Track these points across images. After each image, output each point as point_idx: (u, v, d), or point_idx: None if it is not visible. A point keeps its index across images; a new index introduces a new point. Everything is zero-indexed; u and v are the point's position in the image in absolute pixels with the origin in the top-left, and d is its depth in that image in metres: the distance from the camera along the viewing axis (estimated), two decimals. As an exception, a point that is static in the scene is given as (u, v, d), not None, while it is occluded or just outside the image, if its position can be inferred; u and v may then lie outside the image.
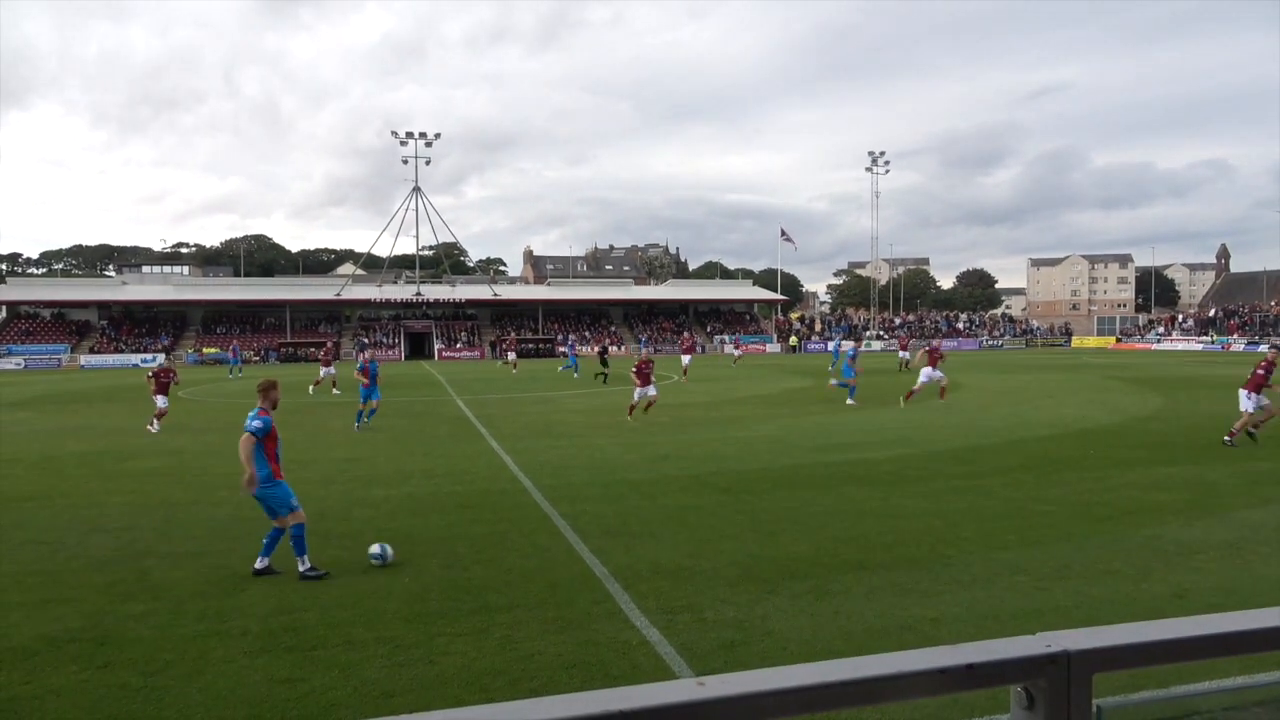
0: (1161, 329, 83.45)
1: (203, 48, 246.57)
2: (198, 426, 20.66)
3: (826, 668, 1.18)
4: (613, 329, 75.69)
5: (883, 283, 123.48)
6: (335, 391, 30.14)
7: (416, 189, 72.04)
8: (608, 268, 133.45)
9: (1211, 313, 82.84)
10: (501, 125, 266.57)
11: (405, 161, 71.02)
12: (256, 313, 69.96)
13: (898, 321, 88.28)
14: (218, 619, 6.82)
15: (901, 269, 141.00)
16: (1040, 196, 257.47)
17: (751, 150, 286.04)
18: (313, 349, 63.24)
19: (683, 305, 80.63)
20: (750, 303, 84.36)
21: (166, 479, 13.32)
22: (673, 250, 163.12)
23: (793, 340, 74.05)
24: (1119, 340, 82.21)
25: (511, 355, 44.07)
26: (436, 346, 65.94)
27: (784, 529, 9.49)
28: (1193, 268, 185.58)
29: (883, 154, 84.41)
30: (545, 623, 6.59)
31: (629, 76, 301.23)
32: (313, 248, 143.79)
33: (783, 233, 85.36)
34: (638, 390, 20.59)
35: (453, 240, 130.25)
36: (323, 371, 30.68)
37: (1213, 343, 71.73)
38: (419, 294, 69.77)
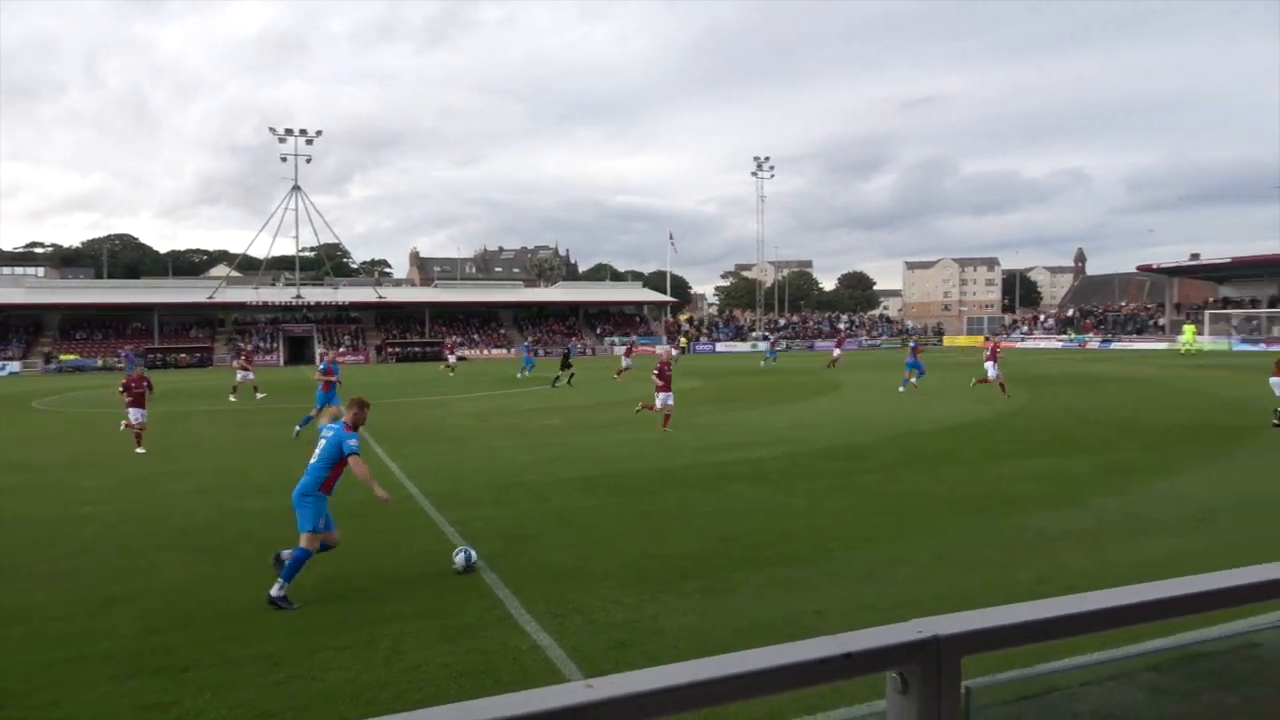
0: (1025, 328, 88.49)
1: (63, 35, 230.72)
2: (55, 436, 19.32)
3: (711, 664, 1.20)
4: (502, 331, 74.93)
5: (768, 284, 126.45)
6: (259, 395, 29.26)
7: (296, 188, 69.37)
8: (497, 270, 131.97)
9: (1070, 313, 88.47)
10: (388, 123, 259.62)
11: (284, 159, 68.26)
12: (121, 317, 65.84)
13: (782, 322, 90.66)
14: (81, 643, 6.39)
15: (786, 271, 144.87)
16: (916, 202, 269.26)
17: (643, 153, 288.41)
18: (183, 354, 60.24)
19: (573, 307, 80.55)
20: (640, 304, 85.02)
21: (26, 495, 12.40)
22: (563, 252, 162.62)
23: (682, 341, 75.02)
24: (987, 339, 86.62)
25: (451, 358, 43.32)
26: (319, 350, 63.68)
27: (674, 529, 9.60)
28: (1053, 270, 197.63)
29: (767, 159, 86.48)
30: (433, 632, 6.45)
31: (522, 77, 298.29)
32: (183, 248, 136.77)
33: (670, 238, 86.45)
34: (659, 396, 19.20)
35: (335, 241, 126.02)
36: (240, 375, 29.54)
37: (1071, 340, 76.62)
38: (299, 296, 67.20)
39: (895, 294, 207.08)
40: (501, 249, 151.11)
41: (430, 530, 9.75)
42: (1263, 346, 61.49)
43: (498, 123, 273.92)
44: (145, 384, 17.79)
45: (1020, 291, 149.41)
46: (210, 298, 66.53)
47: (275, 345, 64.66)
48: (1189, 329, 62.20)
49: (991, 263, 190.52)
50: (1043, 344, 78.65)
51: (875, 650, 1.28)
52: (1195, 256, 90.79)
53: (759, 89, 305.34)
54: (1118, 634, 1.52)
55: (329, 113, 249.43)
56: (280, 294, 68.78)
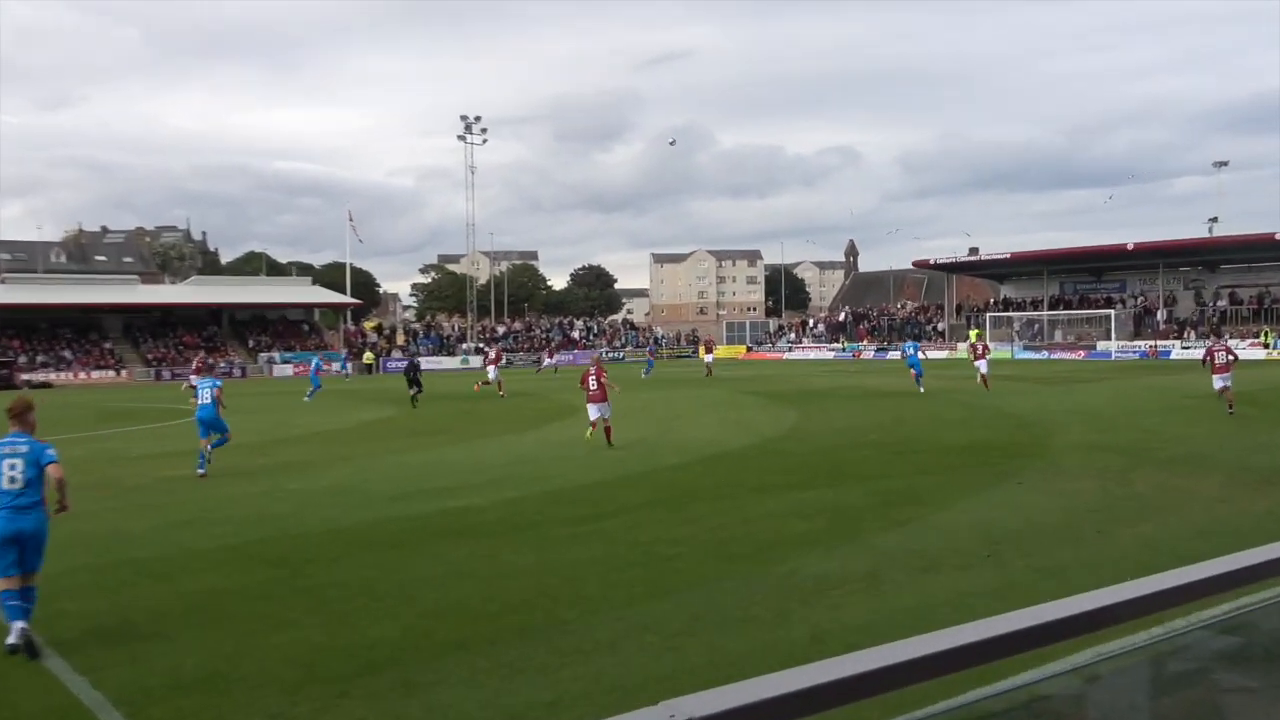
0: (792, 335, 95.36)
1: None
2: None
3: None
4: (108, 346, 69.13)
5: (482, 282, 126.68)
6: None
7: None
8: (100, 259, 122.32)
9: (841, 316, 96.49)
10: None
11: None
12: None
13: (500, 331, 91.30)
14: None
15: (506, 265, 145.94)
16: (665, 180, 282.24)
17: (313, 104, 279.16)
18: None
19: (213, 312, 76.10)
20: (310, 308, 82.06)
21: None
22: (198, 236, 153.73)
23: (368, 357, 73.30)
24: (750, 349, 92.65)
25: (492, 372, 42.54)
26: None
27: (360, 607, 9.30)
28: (822, 266, 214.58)
29: (479, 120, 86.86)
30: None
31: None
32: None
33: (350, 218, 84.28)
34: (592, 409, 21.47)
35: None
36: None
37: (843, 350, 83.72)
38: None
39: (641, 293, 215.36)
40: (107, 230, 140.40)
41: (-6, 634, 8.73)
42: (1045, 355, 70.66)
43: (100, 51, 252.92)
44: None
45: (786, 291, 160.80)
46: None
47: None
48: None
49: (753, 256, 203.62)
50: (813, 354, 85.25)
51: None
52: (975, 251, 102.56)
53: (469, 27, 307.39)
54: (900, 695, 1.62)
55: None
56: None
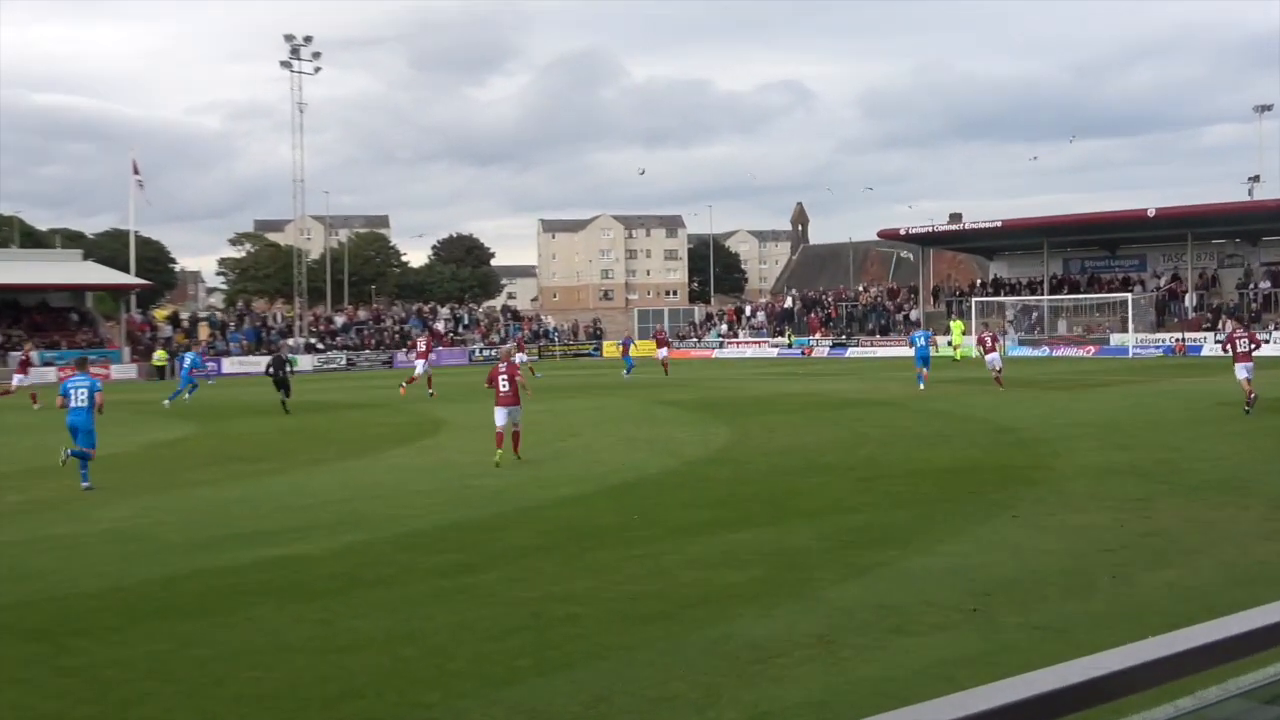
0: (724, 327, 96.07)
1: None
2: None
3: None
4: None
5: (315, 256, 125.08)
6: None
7: None
8: None
9: (788, 302, 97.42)
10: None
11: None
12: None
13: (339, 322, 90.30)
14: None
15: (348, 234, 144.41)
16: (558, 124, 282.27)
17: (84, 17, 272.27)
18: None
19: (-56, 297, 73.78)
20: (80, 291, 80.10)
21: None
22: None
23: (159, 356, 71.81)
24: (669, 345, 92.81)
25: (420, 367, 45.94)
26: None
27: (149, 693, 9.12)
28: (763, 237, 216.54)
29: (308, 40, 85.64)
30: None
31: None
32: None
33: (135, 170, 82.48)
34: (500, 414, 22.72)
35: None
36: None
37: (790, 346, 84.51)
38: None
39: (528, 272, 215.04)
40: None
41: None
42: (1047, 351, 72.22)
43: None
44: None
45: (716, 270, 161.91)
46: None
47: None
48: (957, 325, 71.17)
49: (673, 224, 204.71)
50: (751, 351, 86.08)
51: None
52: (956, 218, 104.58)
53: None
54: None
55: None
56: None
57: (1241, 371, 28.14)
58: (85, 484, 20.64)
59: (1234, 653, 2.11)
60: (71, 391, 21.05)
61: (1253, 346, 28.30)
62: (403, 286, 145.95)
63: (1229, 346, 29.24)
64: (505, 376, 23.08)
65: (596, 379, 56.65)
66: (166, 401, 42.08)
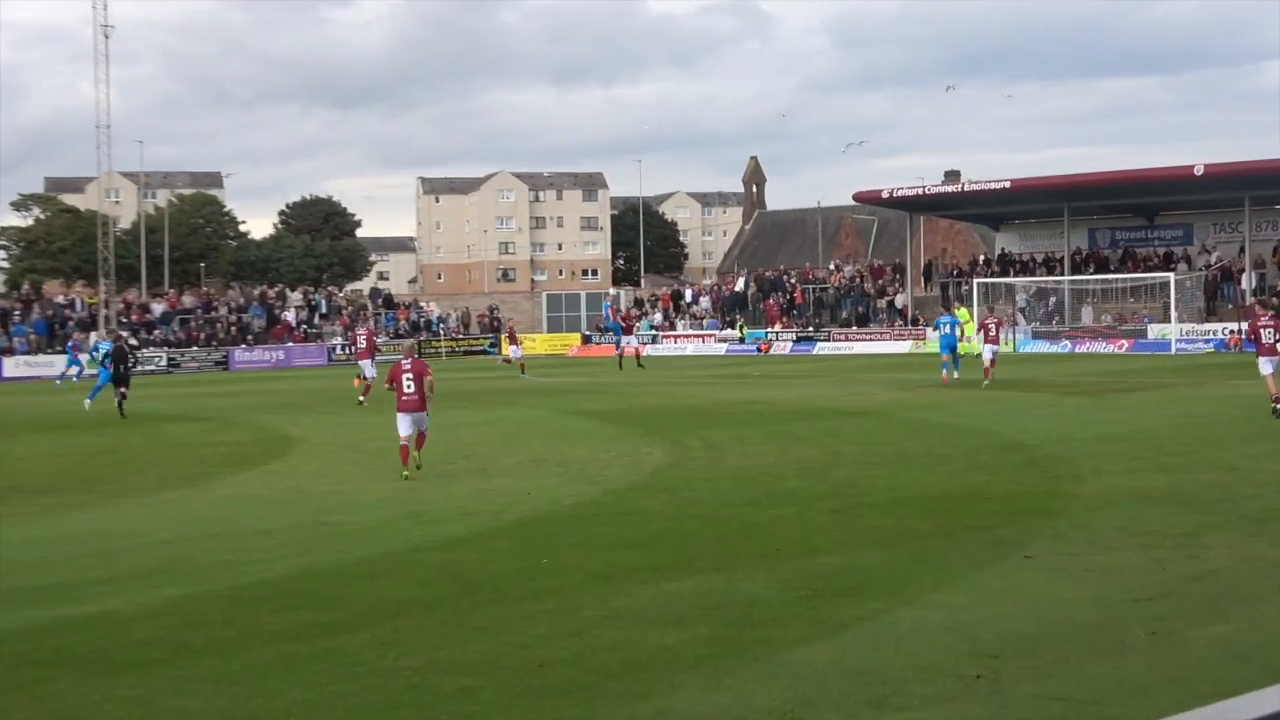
0: (659, 316, 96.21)
1: None
2: None
3: None
4: None
5: (125, 225, 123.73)
6: None
7: None
8: None
9: (740, 284, 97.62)
10: None
11: None
12: None
13: (158, 311, 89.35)
14: None
15: (169, 197, 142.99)
16: (441, 56, 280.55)
17: None
18: None
19: None
20: None
21: None
22: None
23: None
24: (586, 341, 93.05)
25: (369, 369, 47.54)
26: None
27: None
28: (707, 201, 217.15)
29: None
30: None
31: None
32: None
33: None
34: (403, 421, 24.44)
35: None
36: None
37: (742, 341, 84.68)
38: None
39: (404, 245, 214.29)
40: None
41: None
42: (1067, 347, 72.81)
43: None
44: None
45: (648, 243, 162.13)
46: None
47: None
48: (962, 313, 70.91)
49: (593, 185, 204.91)
50: (692, 347, 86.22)
51: None
52: (953, 177, 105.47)
53: None
54: None
55: None
56: None
57: (1267, 366, 30.00)
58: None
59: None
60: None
61: (1278, 338, 29.97)
62: (241, 264, 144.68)
63: (1253, 335, 31.30)
64: (410, 376, 24.22)
65: (495, 384, 56.38)
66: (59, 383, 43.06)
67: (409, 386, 24.14)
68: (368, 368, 46.81)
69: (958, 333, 46.79)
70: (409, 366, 24.64)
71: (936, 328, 51.65)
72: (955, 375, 45.29)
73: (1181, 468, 23.14)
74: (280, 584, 15.60)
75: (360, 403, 44.52)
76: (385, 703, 10.69)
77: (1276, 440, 27.02)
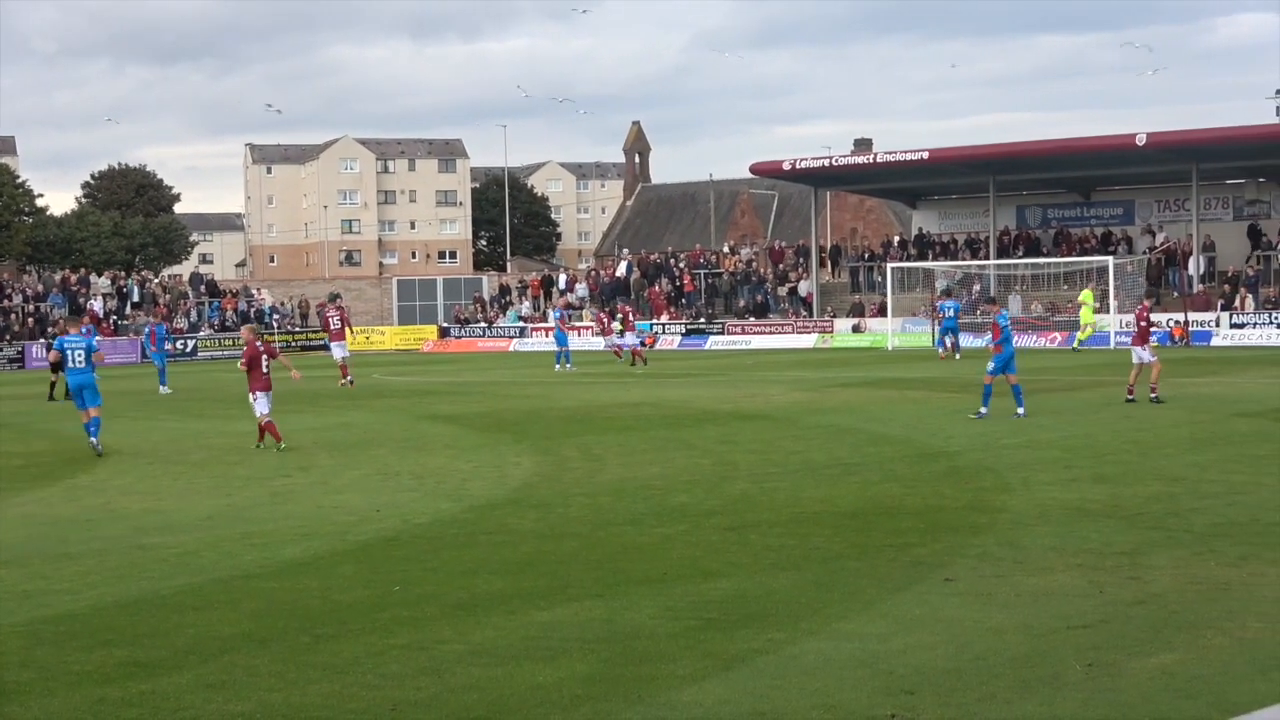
0: (527, 306, 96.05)
1: None
2: None
3: None
4: None
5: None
6: None
7: None
8: None
9: (621, 269, 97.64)
10: None
11: None
12: None
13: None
14: None
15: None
16: (278, 2, 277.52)
17: None
18: None
19: None
20: None
21: None
22: None
23: None
24: (444, 334, 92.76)
25: (338, 351, 54.21)
26: None
27: None
28: (584, 173, 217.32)
29: None
30: None
31: None
32: None
33: None
34: (261, 401, 30.01)
35: None
36: None
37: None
38: None
39: (231, 223, 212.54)
40: None
41: None
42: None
43: None
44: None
45: (515, 220, 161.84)
46: None
47: None
48: (1087, 294, 69.53)
49: (450, 154, 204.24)
50: (570, 343, 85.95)
51: None
52: (864, 146, 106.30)
53: None
54: None
55: None
56: None
57: (1143, 355, 35.38)
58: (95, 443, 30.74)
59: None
60: (74, 351, 31.15)
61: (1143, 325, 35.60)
62: (39, 245, 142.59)
63: (1141, 322, 36.78)
64: (267, 359, 29.00)
65: (334, 384, 56.11)
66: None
67: (266, 368, 28.44)
68: (338, 349, 52.06)
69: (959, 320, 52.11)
70: (262, 349, 30.19)
71: (940, 311, 63.57)
72: (956, 356, 52.98)
73: (1121, 478, 23.48)
74: (89, 617, 15.42)
75: (348, 384, 50.08)
76: (216, 752, 10.66)
77: (1225, 447, 27.45)
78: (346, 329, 54.76)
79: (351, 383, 51.74)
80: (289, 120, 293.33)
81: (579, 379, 55.58)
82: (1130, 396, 36.25)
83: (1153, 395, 35.61)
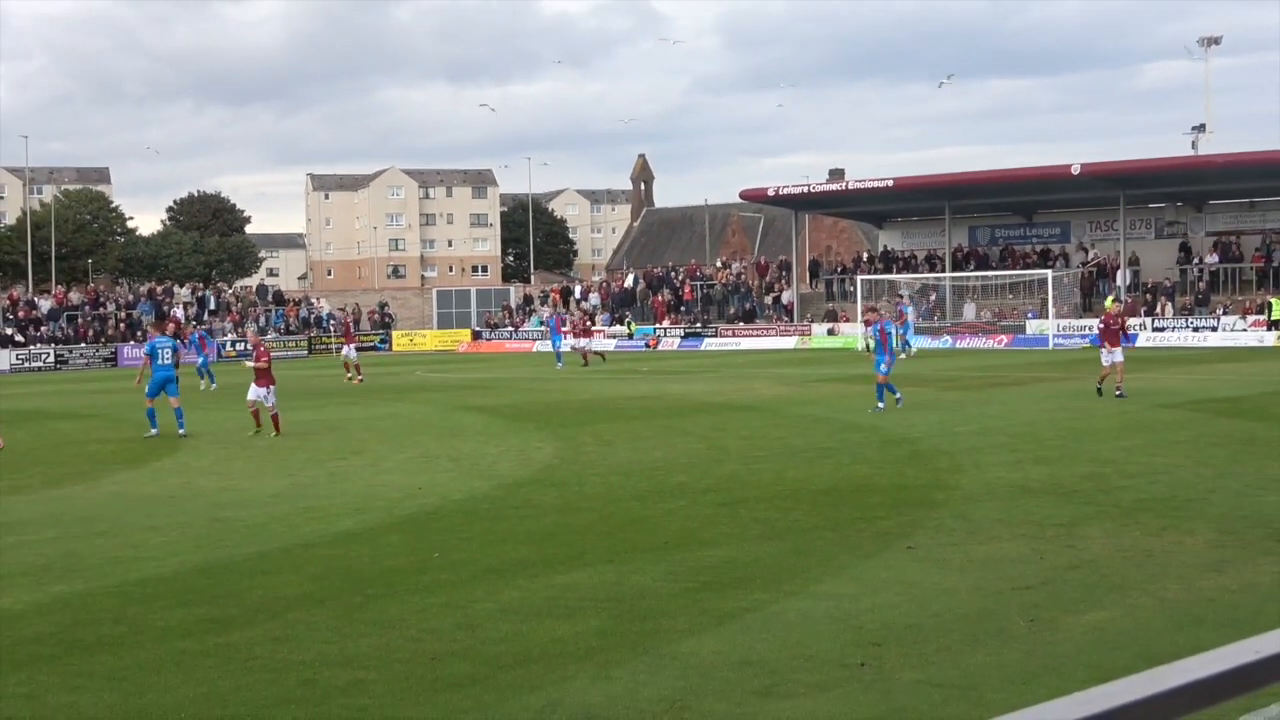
0: (547, 312, 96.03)
1: None
2: None
3: None
4: None
5: (10, 221, 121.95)
6: None
7: None
8: None
9: (629, 280, 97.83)
10: None
11: None
12: None
13: (45, 307, 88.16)
14: None
15: (56, 193, 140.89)
16: (334, 52, 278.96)
17: None
18: None
19: None
20: None
21: None
22: None
23: None
24: (477, 337, 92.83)
25: (347, 351, 56.19)
26: None
27: None
28: (596, 198, 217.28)
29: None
30: None
31: None
32: None
33: None
34: (260, 390, 31.78)
35: None
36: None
37: (630, 337, 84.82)
38: None
39: (294, 242, 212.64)
40: None
41: None
42: (949, 342, 73.64)
43: None
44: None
45: (538, 239, 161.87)
46: None
47: None
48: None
49: (483, 182, 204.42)
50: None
51: None
52: (837, 175, 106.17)
53: None
54: None
55: None
56: None
57: (1108, 358, 35.58)
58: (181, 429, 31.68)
59: (1174, 710, 2.16)
60: (164, 350, 32.73)
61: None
62: (129, 261, 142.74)
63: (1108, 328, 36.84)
64: (267, 359, 30.87)
65: (384, 379, 56.07)
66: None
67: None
68: (349, 351, 53.20)
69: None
70: (265, 350, 32.92)
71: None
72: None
73: (1059, 460, 23.48)
74: (171, 580, 15.44)
75: (354, 382, 50.95)
76: (277, 697, 10.63)
77: (1149, 433, 27.45)
78: (350, 339, 58.66)
79: (360, 379, 52.87)
80: (344, 152, 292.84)
81: (589, 375, 55.50)
82: (1100, 386, 35.58)
83: (1118, 392, 34.72)
